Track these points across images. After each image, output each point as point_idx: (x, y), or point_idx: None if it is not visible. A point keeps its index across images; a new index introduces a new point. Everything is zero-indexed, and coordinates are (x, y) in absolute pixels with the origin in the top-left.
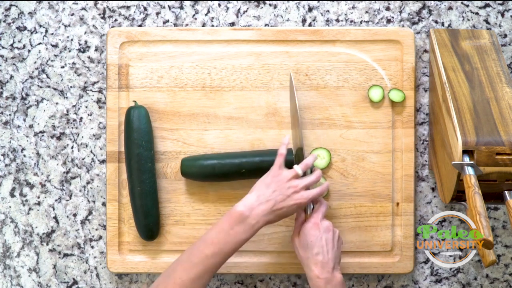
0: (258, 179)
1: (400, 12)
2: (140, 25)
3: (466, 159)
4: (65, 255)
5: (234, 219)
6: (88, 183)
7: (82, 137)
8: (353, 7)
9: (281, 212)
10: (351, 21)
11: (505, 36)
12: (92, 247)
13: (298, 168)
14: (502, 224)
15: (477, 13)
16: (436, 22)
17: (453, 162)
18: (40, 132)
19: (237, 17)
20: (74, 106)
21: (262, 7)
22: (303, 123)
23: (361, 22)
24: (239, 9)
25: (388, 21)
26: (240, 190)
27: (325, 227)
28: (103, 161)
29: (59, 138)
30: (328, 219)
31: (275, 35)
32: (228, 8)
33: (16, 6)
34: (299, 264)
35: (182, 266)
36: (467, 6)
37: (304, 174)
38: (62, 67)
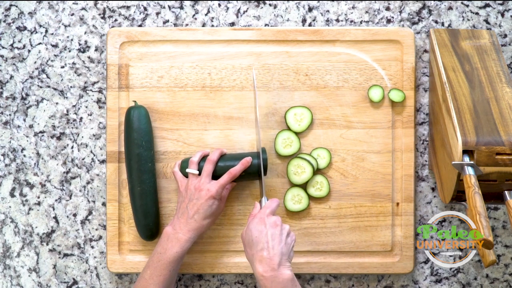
0: (258, 180)
1: (400, 12)
2: (140, 25)
3: (466, 159)
4: (65, 255)
5: (162, 239)
6: (88, 183)
7: (82, 137)
8: (353, 7)
9: (200, 215)
10: (351, 21)
11: (505, 36)
12: (92, 247)
13: (189, 170)
14: (502, 224)
15: (477, 13)
16: (436, 22)
17: (453, 162)
18: (40, 132)
19: (237, 17)
20: (74, 106)
21: (262, 7)
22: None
23: (361, 22)
24: (239, 9)
25: (388, 21)
26: (240, 190)
27: (271, 222)
28: (103, 161)
29: (59, 138)
30: (328, 219)
31: (275, 35)
32: (228, 8)
33: (16, 6)
34: (299, 264)
35: None
36: (467, 6)
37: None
38: (62, 67)
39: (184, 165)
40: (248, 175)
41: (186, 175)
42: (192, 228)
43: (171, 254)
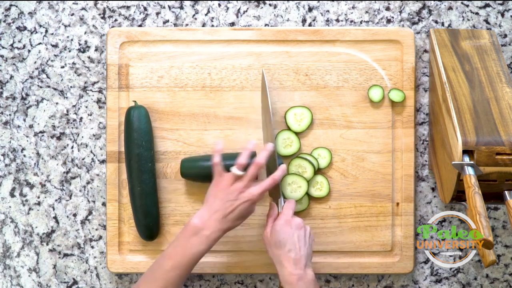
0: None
1: (400, 12)
2: (140, 25)
3: (466, 159)
4: (65, 255)
5: (189, 232)
6: (88, 183)
7: (82, 137)
8: (353, 7)
9: (234, 216)
10: (351, 21)
11: (505, 36)
12: (92, 247)
13: (234, 169)
14: (502, 224)
15: (477, 13)
16: (436, 22)
17: (453, 162)
18: (40, 132)
19: (237, 17)
20: (74, 106)
21: (262, 7)
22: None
23: (361, 22)
24: (239, 9)
25: (388, 21)
26: None
27: (297, 224)
28: (103, 161)
29: (59, 138)
30: (328, 219)
31: (275, 35)
32: (228, 8)
33: (16, 6)
34: None
35: (144, 282)
36: (467, 6)
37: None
38: (62, 67)
39: (185, 165)
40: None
41: (191, 175)
42: (224, 228)
43: (198, 250)
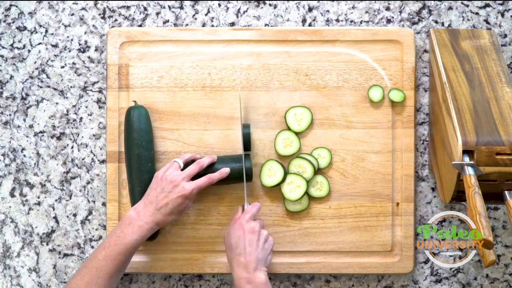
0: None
1: (400, 12)
2: (140, 25)
3: (466, 159)
4: (65, 255)
5: (124, 222)
6: (88, 183)
7: (82, 137)
8: (353, 7)
9: (167, 210)
10: (351, 21)
11: (505, 36)
12: (92, 247)
13: (176, 159)
14: (502, 224)
15: (477, 13)
16: (436, 22)
17: (453, 162)
18: (40, 132)
19: (237, 17)
20: (74, 106)
21: (262, 7)
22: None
23: (361, 22)
24: (239, 9)
25: (388, 21)
26: (240, 190)
27: (250, 228)
28: (103, 161)
29: (59, 138)
30: (328, 219)
31: (275, 35)
32: (228, 8)
33: (16, 6)
34: (299, 264)
35: (79, 272)
36: (467, 6)
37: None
38: (62, 67)
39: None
40: (234, 180)
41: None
42: (156, 220)
43: (130, 240)
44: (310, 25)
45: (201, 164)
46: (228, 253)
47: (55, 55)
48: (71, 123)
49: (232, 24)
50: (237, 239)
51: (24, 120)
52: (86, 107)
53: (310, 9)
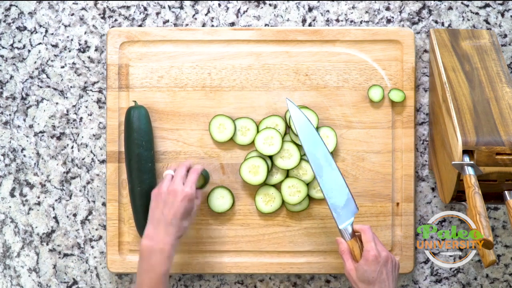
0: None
1: (400, 12)
2: (140, 25)
3: (466, 159)
4: (65, 255)
5: (146, 255)
6: (88, 183)
7: (82, 137)
8: (353, 7)
9: (177, 219)
10: (351, 21)
11: (505, 36)
12: (92, 247)
13: (167, 171)
14: (502, 224)
15: (477, 13)
16: (436, 22)
17: (453, 162)
18: (40, 132)
19: (237, 17)
20: (74, 106)
21: (262, 7)
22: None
23: (361, 22)
24: (239, 9)
25: (388, 21)
26: (239, 190)
27: (384, 259)
28: (103, 161)
29: (59, 138)
30: (328, 219)
31: (275, 35)
32: (228, 8)
33: (16, 6)
34: (299, 264)
35: None
36: (467, 6)
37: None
38: (62, 67)
39: None
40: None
41: None
42: (172, 234)
43: (161, 270)
44: (310, 25)
45: (195, 169)
46: (362, 286)
47: (55, 55)
48: (71, 123)
49: (232, 24)
50: (374, 274)
51: (24, 120)
52: (86, 107)
53: (310, 9)
